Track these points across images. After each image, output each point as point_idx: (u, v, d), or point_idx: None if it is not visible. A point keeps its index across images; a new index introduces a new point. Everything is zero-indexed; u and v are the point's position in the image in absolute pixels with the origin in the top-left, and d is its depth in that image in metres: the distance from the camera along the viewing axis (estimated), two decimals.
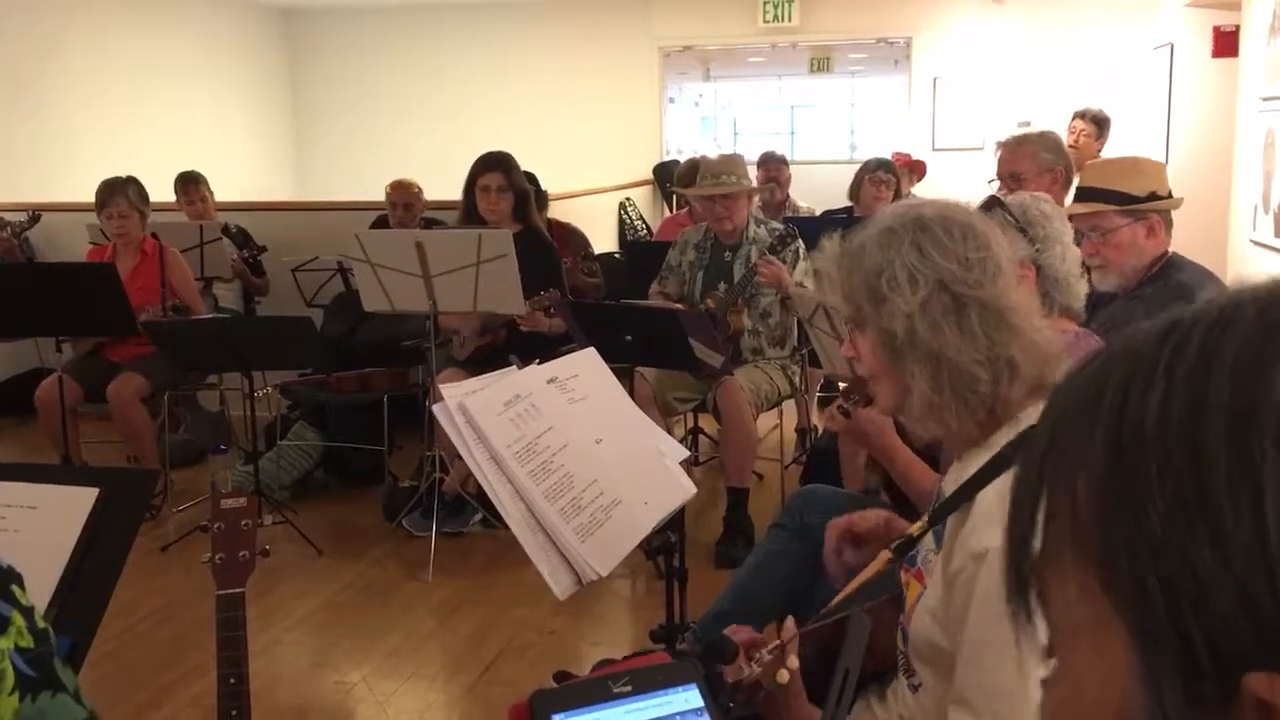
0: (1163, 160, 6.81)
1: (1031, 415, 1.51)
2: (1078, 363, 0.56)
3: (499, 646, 3.57)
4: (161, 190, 6.01)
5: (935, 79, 10.01)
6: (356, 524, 4.75)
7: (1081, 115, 6.56)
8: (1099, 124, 6.51)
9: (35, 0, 8.19)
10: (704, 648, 1.24)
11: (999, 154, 3.76)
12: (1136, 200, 2.83)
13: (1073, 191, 3.23)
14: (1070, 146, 6.47)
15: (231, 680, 1.82)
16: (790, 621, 1.47)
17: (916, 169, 7.09)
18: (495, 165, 4.61)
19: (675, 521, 2.44)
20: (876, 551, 1.77)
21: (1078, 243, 2.37)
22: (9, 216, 6.20)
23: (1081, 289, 2.30)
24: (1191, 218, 3.58)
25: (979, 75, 9.79)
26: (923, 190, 6.94)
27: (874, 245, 1.56)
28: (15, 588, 1.01)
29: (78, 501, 1.73)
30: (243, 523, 1.88)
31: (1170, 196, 2.91)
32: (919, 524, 1.57)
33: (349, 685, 3.36)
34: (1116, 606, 0.50)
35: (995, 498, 1.44)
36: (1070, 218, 2.45)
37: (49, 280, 4.62)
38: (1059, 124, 6.73)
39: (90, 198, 5.11)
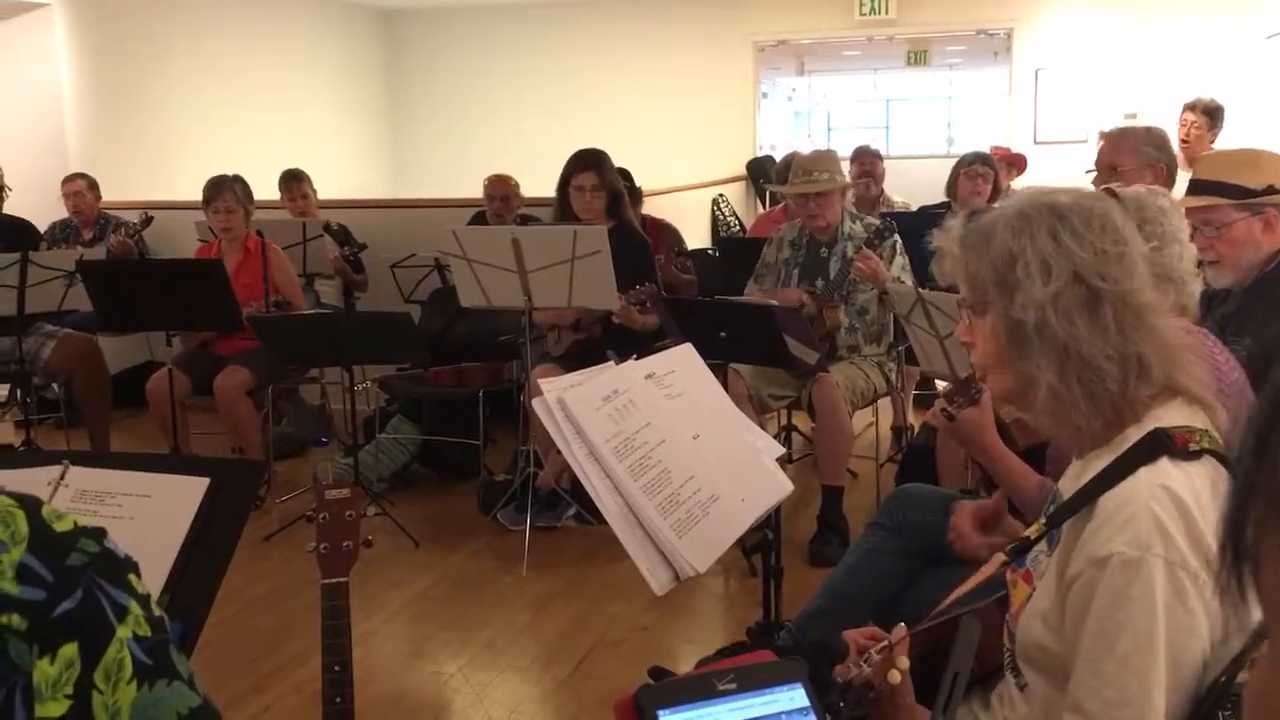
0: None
1: (1160, 416, 1.46)
2: None
3: (592, 641, 3.59)
4: (264, 188, 6.16)
5: (1037, 70, 9.79)
6: (452, 517, 4.81)
7: (1191, 107, 6.31)
8: (1211, 115, 6.25)
9: (140, 5, 8.45)
10: (814, 646, 1.23)
11: (1100, 144, 3.63)
12: (1253, 194, 2.72)
13: (1184, 185, 3.11)
14: (1182, 141, 6.26)
15: (336, 668, 1.86)
16: (901, 625, 1.44)
17: (1016, 163, 6.94)
18: (589, 164, 4.63)
19: (770, 519, 2.42)
20: (1002, 539, 1.75)
21: (1190, 238, 2.29)
22: (126, 216, 6.42)
23: (1197, 287, 2.23)
24: None
25: (1083, 66, 9.55)
26: (1023, 184, 6.78)
27: (1005, 229, 1.50)
28: (132, 576, 1.04)
29: (190, 490, 1.76)
30: (347, 513, 1.91)
31: None
32: (1036, 525, 1.53)
33: (445, 676, 3.41)
34: None
35: (1120, 503, 1.39)
36: (1183, 212, 2.37)
37: (160, 276, 4.77)
38: (1168, 116, 6.52)
39: (197, 195, 5.26)
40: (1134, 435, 1.46)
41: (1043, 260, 1.46)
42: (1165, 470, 1.40)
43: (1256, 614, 0.54)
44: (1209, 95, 6.46)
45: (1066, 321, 1.45)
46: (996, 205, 1.57)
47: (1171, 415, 1.46)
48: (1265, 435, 0.52)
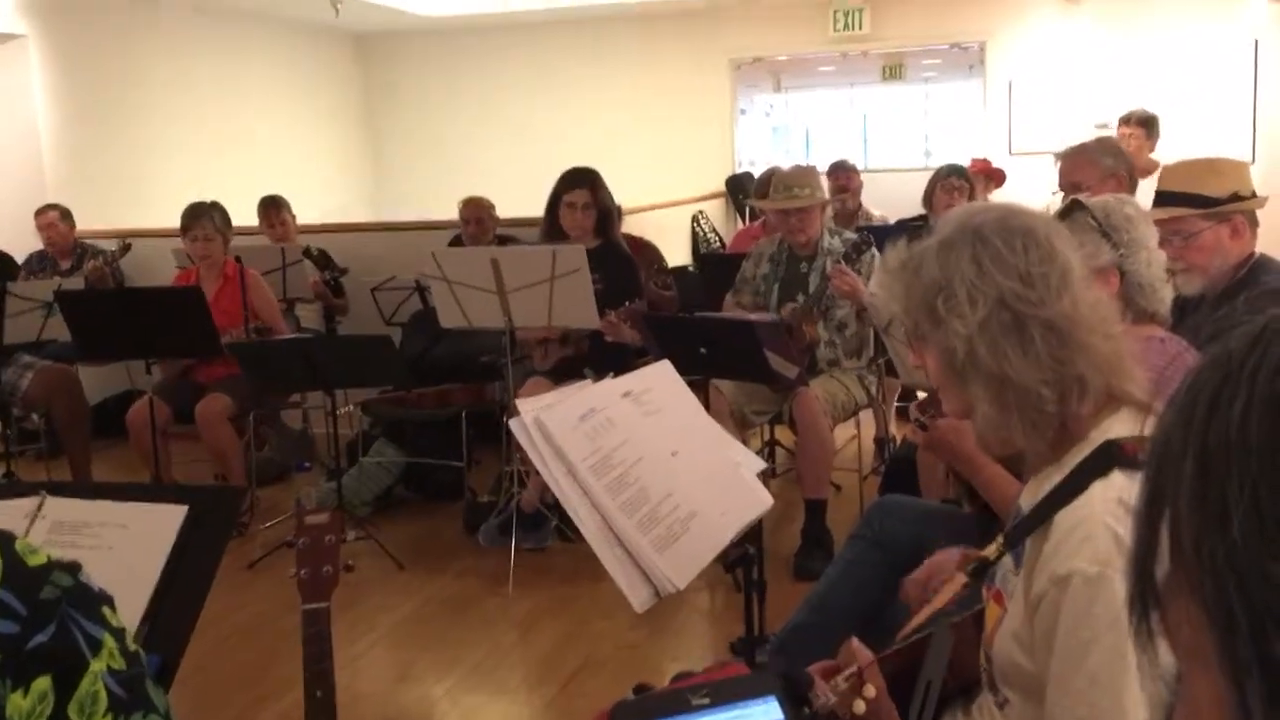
0: (1249, 158, 6.62)
1: (1108, 429, 1.47)
2: (1185, 375, 0.54)
3: (579, 660, 3.58)
4: (244, 214, 6.16)
5: (1010, 83, 9.87)
6: (437, 539, 4.80)
7: (1126, 120, 6.42)
8: (1146, 125, 6.36)
9: (115, 34, 8.44)
10: (778, 677, 1.22)
11: (1059, 165, 3.69)
12: (1218, 202, 2.75)
13: (1151, 195, 3.15)
14: None
15: (318, 694, 1.85)
16: (856, 642, 1.44)
17: (995, 177, 6.98)
18: (582, 181, 4.66)
19: (753, 534, 2.42)
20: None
21: (1159, 245, 2.31)
22: (102, 244, 6.40)
23: (1167, 293, 2.25)
24: None
25: (1055, 78, 9.63)
26: (1000, 197, 6.82)
27: (932, 258, 1.50)
28: (106, 609, 1.04)
29: (167, 519, 1.76)
30: (326, 538, 1.90)
31: (1254, 195, 2.83)
32: (994, 545, 1.53)
33: (433, 699, 3.40)
34: (1212, 630, 0.48)
35: (1076, 520, 1.40)
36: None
37: (138, 304, 4.76)
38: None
39: (175, 223, 5.26)
40: (1083, 451, 1.46)
41: (968, 289, 1.45)
42: (1118, 482, 1.39)
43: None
44: (1140, 107, 6.57)
45: (995, 350, 1.44)
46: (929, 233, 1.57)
47: (1120, 426, 1.46)
48: (1158, 484, 0.53)
